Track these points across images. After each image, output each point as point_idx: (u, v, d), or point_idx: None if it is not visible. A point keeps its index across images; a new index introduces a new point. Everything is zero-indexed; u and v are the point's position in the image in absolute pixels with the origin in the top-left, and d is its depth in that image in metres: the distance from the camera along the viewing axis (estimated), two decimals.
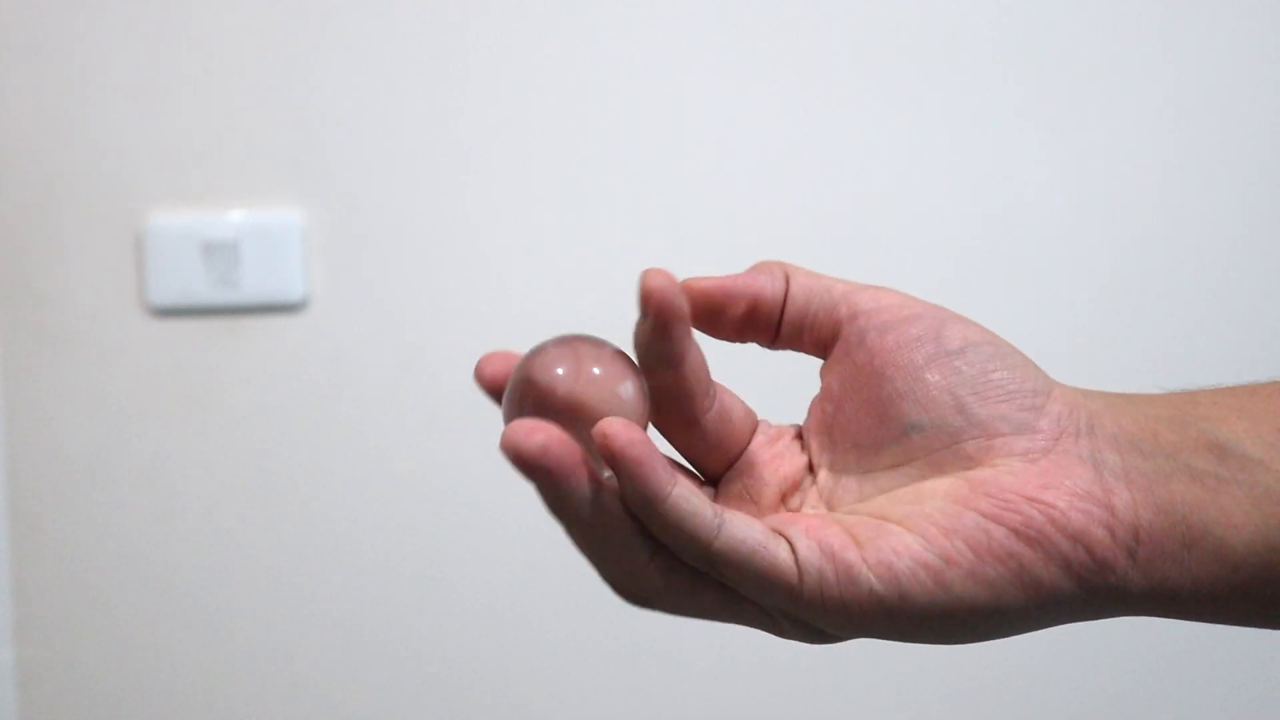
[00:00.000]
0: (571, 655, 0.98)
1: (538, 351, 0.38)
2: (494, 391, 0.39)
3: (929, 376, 0.37)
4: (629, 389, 0.37)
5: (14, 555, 0.99)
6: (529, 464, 0.34)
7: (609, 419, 0.34)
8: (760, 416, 0.42)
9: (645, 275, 0.37)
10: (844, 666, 0.99)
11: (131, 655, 1.00)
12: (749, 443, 0.41)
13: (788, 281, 0.41)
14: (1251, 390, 0.38)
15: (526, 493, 0.39)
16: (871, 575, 0.34)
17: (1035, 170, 0.96)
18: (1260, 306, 0.98)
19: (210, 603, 1.00)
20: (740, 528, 0.35)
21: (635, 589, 0.37)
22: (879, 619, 0.35)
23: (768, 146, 0.96)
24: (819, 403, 0.41)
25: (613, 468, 0.34)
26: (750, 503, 0.40)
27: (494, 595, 0.99)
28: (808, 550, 0.35)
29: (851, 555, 0.35)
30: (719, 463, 0.41)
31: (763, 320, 0.41)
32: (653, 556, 0.36)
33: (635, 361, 0.39)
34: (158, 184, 0.96)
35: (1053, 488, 0.35)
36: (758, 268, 0.42)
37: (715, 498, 0.41)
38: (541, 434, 0.34)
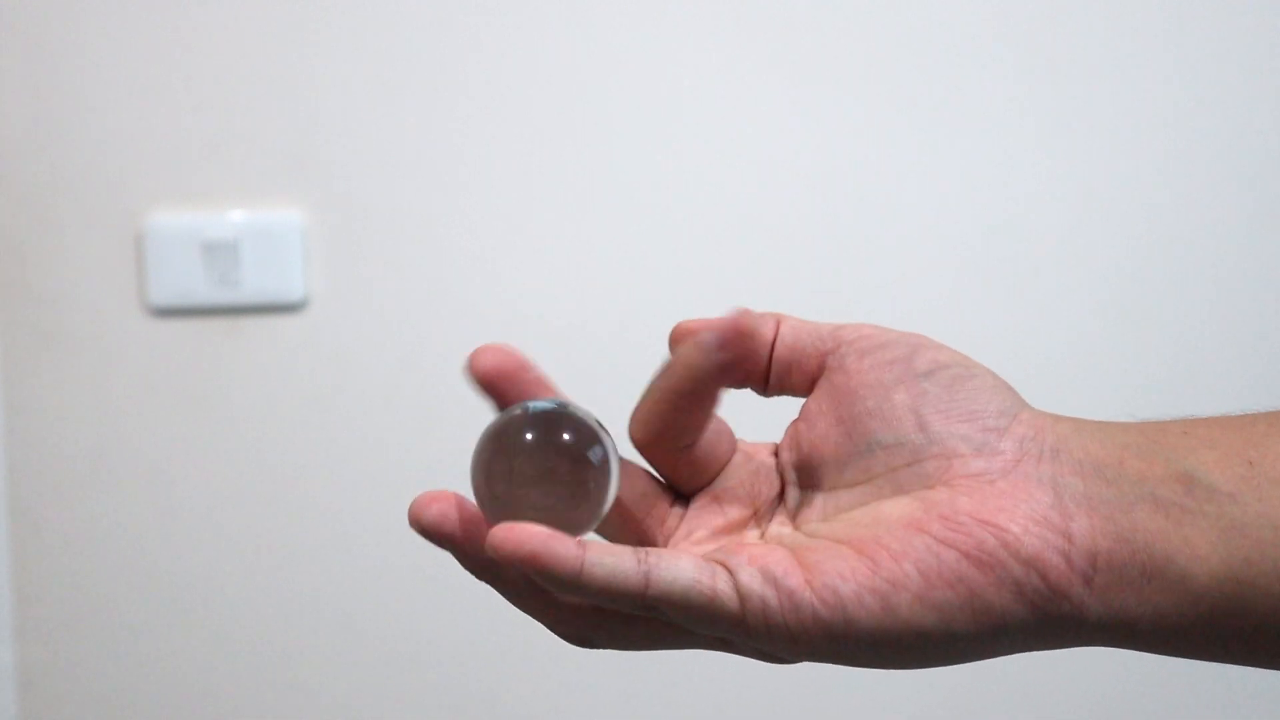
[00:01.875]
0: (571, 655, 0.98)
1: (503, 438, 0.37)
2: (485, 385, 0.39)
3: (896, 396, 0.37)
4: (592, 492, 0.37)
5: (14, 555, 0.99)
6: (427, 535, 0.37)
7: (491, 532, 0.34)
8: (741, 435, 0.42)
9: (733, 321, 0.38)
10: (833, 676, 0.99)
11: (131, 655, 1.00)
12: (728, 462, 0.41)
13: (778, 326, 0.41)
14: (1223, 422, 0.37)
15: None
16: (815, 600, 0.34)
17: (1037, 173, 0.96)
18: (1262, 311, 0.98)
19: (210, 602, 1.00)
20: (669, 568, 0.34)
21: (571, 636, 0.38)
22: (825, 643, 0.34)
23: (768, 147, 0.96)
24: (795, 422, 0.41)
25: (517, 575, 0.35)
26: (719, 517, 0.40)
27: (494, 595, 0.98)
28: (749, 579, 0.34)
29: (794, 581, 0.34)
30: (697, 482, 0.41)
31: (751, 362, 0.40)
32: (578, 608, 0.37)
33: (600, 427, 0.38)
34: (158, 184, 0.96)
35: (1007, 511, 0.34)
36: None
37: (685, 514, 0.41)
38: (438, 504, 0.36)
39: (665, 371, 0.39)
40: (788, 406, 0.42)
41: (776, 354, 0.40)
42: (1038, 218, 0.97)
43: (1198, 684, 1.00)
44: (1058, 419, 0.37)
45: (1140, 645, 0.36)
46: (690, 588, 0.34)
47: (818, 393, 0.40)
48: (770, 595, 0.34)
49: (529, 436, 0.37)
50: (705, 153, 0.96)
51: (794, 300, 0.97)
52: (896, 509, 0.36)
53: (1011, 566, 0.34)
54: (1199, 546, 0.34)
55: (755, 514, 0.40)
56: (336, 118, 0.96)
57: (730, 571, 0.35)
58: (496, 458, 0.36)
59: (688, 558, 0.35)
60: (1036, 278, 0.97)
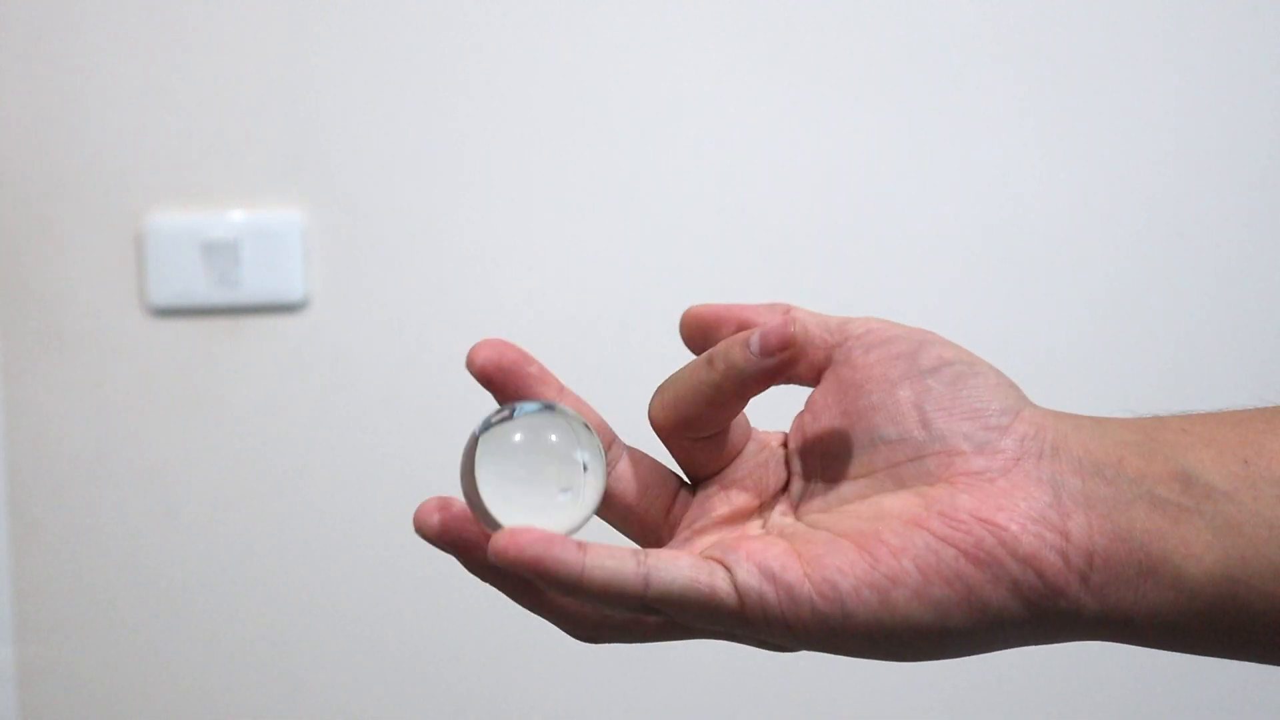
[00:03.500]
0: (571, 655, 0.98)
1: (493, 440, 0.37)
2: (484, 379, 0.39)
3: (900, 391, 0.38)
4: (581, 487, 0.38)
5: (14, 555, 0.99)
6: (431, 541, 0.38)
7: (494, 539, 0.34)
8: (756, 424, 0.42)
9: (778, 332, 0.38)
10: (843, 664, 0.99)
11: (131, 655, 1.00)
12: (741, 450, 0.42)
13: (788, 313, 0.41)
14: (1219, 418, 0.38)
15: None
16: (814, 594, 0.35)
17: (1037, 172, 0.96)
18: (1263, 309, 0.98)
19: (210, 602, 1.00)
20: (668, 569, 0.35)
21: (577, 633, 0.39)
22: (823, 636, 0.35)
23: (768, 146, 0.96)
24: (801, 413, 0.41)
25: (520, 576, 0.35)
26: (726, 505, 0.41)
27: (494, 595, 0.98)
28: (747, 575, 0.35)
29: (792, 575, 0.35)
30: (710, 469, 0.42)
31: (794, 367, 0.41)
32: (582, 606, 0.38)
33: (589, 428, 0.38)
34: (158, 184, 0.96)
35: (1006, 509, 0.35)
36: (763, 305, 0.43)
37: (692, 500, 0.42)
38: (440, 513, 0.38)
39: (706, 365, 0.39)
40: (798, 393, 0.42)
41: None
42: (1038, 216, 0.97)
43: (1199, 683, 1.00)
44: (1059, 416, 0.38)
45: (1136, 640, 0.36)
46: (689, 587, 0.35)
47: (824, 385, 0.40)
48: (768, 591, 0.35)
49: (516, 438, 0.37)
50: (706, 152, 0.96)
51: (795, 299, 0.97)
52: (897, 504, 0.36)
53: (1009, 564, 0.34)
54: (1195, 545, 0.35)
55: (761, 504, 0.41)
56: (336, 118, 0.96)
57: (728, 569, 0.35)
58: (484, 461, 0.37)
59: (686, 557, 0.36)
60: (1036, 276, 0.97)
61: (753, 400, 0.40)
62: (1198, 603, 0.35)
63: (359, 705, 1.00)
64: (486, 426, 0.37)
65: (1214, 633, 0.35)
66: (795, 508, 0.40)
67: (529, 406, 0.38)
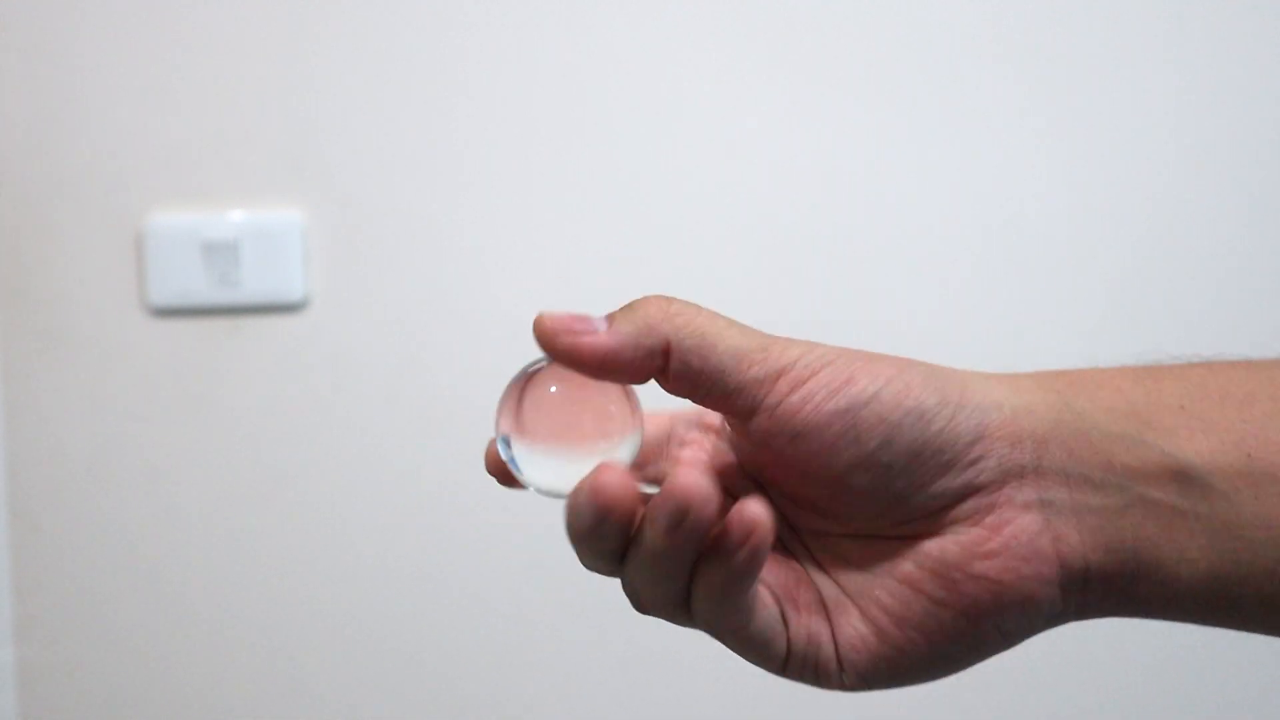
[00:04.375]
0: (571, 655, 0.98)
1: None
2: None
3: (856, 480, 0.34)
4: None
5: (14, 555, 0.99)
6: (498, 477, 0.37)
7: (747, 502, 0.32)
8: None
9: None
10: None
11: (131, 655, 1.00)
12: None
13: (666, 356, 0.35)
14: (1222, 393, 0.35)
15: (526, 492, 0.39)
16: (842, 672, 0.36)
17: (1038, 173, 0.96)
18: (1264, 308, 0.98)
19: (210, 602, 1.00)
20: (763, 619, 0.35)
21: (648, 609, 0.36)
22: (843, 690, 0.36)
23: (769, 148, 0.96)
24: (745, 451, 0.38)
25: (735, 547, 0.32)
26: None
27: (494, 595, 0.99)
28: (797, 638, 0.36)
29: (827, 652, 0.36)
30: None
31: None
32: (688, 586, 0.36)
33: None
34: (158, 184, 0.96)
35: (997, 554, 0.34)
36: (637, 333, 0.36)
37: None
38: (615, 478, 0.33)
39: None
40: None
41: (672, 385, 0.36)
42: (1038, 217, 0.97)
43: (1200, 681, 1.00)
44: (1029, 411, 0.35)
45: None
46: (769, 642, 0.36)
47: (753, 452, 0.37)
48: (810, 657, 0.36)
49: (553, 390, 0.37)
50: (706, 153, 0.96)
51: (796, 299, 0.97)
52: (888, 562, 0.36)
53: (1008, 613, 0.35)
54: (1189, 550, 0.34)
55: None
56: (336, 118, 0.96)
57: (786, 625, 0.36)
58: (523, 406, 0.36)
59: (774, 607, 0.36)
60: (1037, 276, 0.97)
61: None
62: (1188, 604, 0.35)
63: (359, 705, 1.00)
64: (523, 376, 0.37)
65: (1206, 623, 0.35)
66: (815, 558, 0.38)
67: None
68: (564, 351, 0.35)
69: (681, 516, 0.31)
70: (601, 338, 0.34)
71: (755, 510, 0.32)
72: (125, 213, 0.96)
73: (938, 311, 0.95)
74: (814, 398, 0.34)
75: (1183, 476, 0.34)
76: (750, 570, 0.32)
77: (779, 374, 0.34)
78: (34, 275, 0.96)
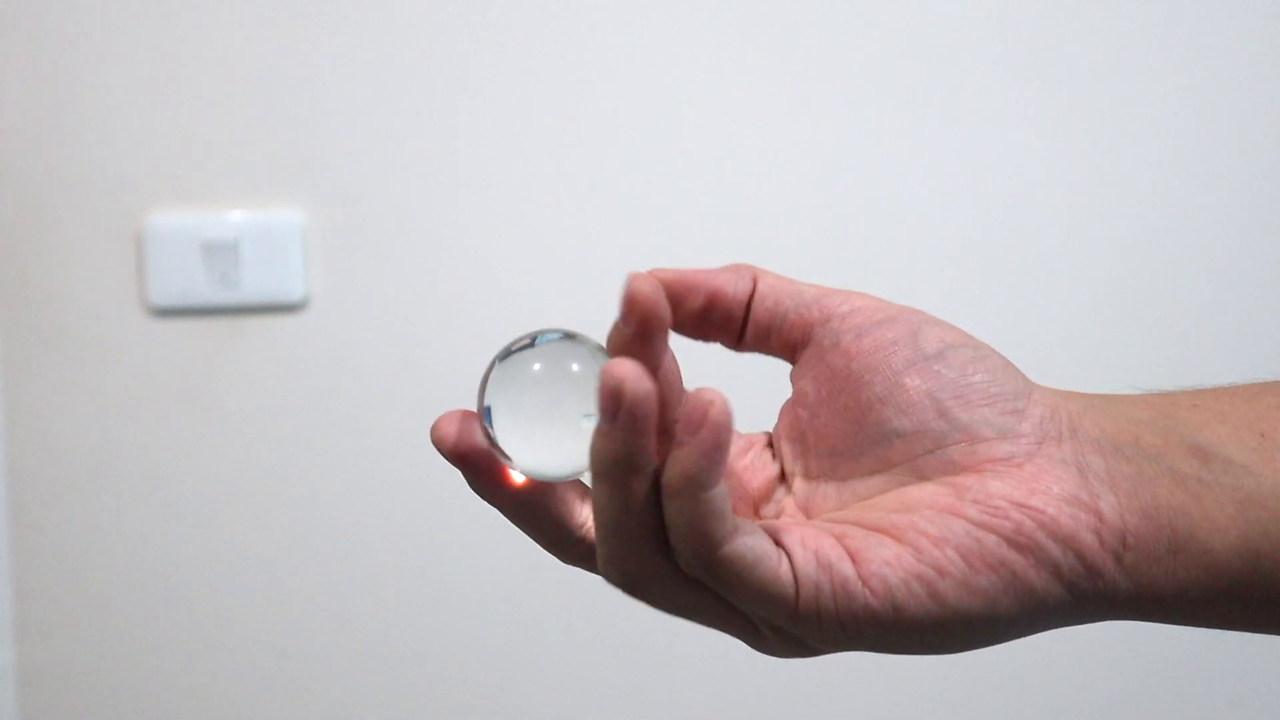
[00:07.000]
0: (571, 655, 0.98)
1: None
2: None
3: (908, 381, 0.36)
4: None
5: (14, 555, 0.99)
6: (447, 456, 0.35)
7: (699, 392, 0.31)
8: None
9: (630, 281, 0.34)
10: (843, 664, 0.99)
11: (131, 655, 1.00)
12: None
13: (755, 282, 0.39)
14: (1230, 393, 0.38)
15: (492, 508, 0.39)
16: (867, 590, 0.33)
17: (1039, 171, 0.96)
18: (1263, 306, 0.98)
19: (210, 602, 1.00)
20: (750, 535, 0.33)
21: (632, 579, 0.36)
22: (873, 633, 0.34)
23: (768, 146, 0.96)
24: (791, 408, 0.40)
25: (686, 438, 0.31)
26: None
27: (494, 595, 0.99)
28: (805, 563, 0.33)
29: (847, 569, 0.33)
30: None
31: (724, 317, 0.39)
32: (657, 551, 0.34)
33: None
34: (158, 184, 0.96)
35: (1040, 493, 0.34)
36: (726, 267, 0.40)
37: None
38: (457, 426, 0.35)
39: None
40: (758, 401, 0.40)
41: (754, 314, 0.39)
42: (1040, 214, 0.97)
43: (1199, 683, 1.00)
44: (1066, 395, 0.37)
45: (1167, 618, 0.36)
46: (761, 559, 0.33)
47: (810, 374, 0.38)
48: (825, 582, 0.33)
49: (536, 368, 0.36)
50: (706, 152, 0.96)
51: None
52: (925, 494, 0.35)
53: (1050, 548, 0.34)
54: (1218, 519, 0.35)
55: (756, 507, 0.39)
56: (336, 118, 0.96)
57: (786, 551, 0.34)
58: (502, 388, 0.36)
59: (764, 532, 0.34)
60: (1038, 274, 0.97)
61: (733, 397, 0.38)
62: (1223, 577, 0.35)
63: (359, 705, 1.00)
64: (506, 354, 0.37)
65: (1240, 606, 0.35)
66: (804, 508, 0.38)
67: (550, 335, 0.37)
68: (674, 282, 0.38)
69: (617, 399, 0.31)
70: (704, 273, 0.38)
71: (708, 390, 0.32)
72: (125, 213, 0.96)
73: (938, 312, 0.95)
74: (883, 308, 0.38)
75: (1203, 453, 0.35)
76: (716, 449, 0.31)
77: (851, 296, 0.39)
78: (34, 275, 0.96)
